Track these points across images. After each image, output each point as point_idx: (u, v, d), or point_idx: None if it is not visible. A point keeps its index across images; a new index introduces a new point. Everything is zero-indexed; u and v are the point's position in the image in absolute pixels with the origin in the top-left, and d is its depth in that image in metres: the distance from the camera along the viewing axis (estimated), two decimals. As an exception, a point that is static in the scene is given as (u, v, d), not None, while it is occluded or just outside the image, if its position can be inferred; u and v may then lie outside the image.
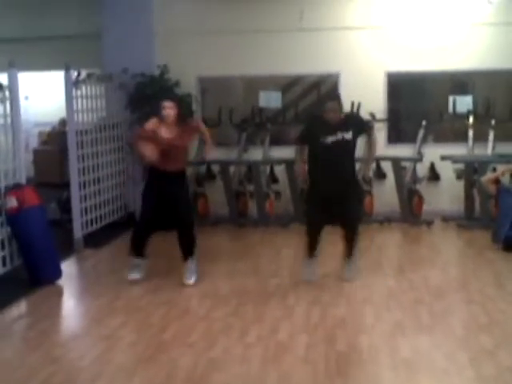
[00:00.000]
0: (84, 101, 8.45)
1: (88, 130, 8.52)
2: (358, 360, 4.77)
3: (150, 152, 6.40)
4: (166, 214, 6.63)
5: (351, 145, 6.49)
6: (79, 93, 8.31)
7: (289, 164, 9.30)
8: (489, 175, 8.43)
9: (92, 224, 8.49)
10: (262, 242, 8.53)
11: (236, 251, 8.19)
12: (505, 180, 8.28)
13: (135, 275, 6.71)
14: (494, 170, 8.89)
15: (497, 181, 8.19)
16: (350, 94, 9.44)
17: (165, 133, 6.50)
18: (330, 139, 6.37)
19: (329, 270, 6.89)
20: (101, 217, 8.74)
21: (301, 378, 4.46)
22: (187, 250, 6.69)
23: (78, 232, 8.15)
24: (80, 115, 8.36)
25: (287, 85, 9.98)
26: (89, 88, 8.59)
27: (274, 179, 9.55)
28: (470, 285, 6.50)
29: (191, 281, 6.62)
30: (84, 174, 8.31)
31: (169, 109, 6.49)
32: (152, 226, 6.70)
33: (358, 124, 6.71)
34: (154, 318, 5.69)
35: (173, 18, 9.65)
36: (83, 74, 8.44)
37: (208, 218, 9.42)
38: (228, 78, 9.97)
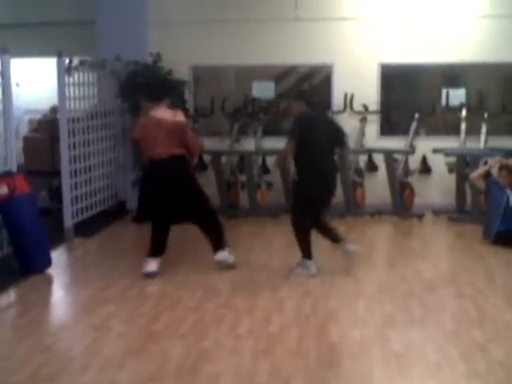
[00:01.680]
0: (76, 88, 8.38)
1: (79, 118, 8.46)
2: (350, 353, 4.75)
3: None
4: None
5: None
6: (71, 80, 8.24)
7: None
8: (477, 171, 8.38)
9: (83, 213, 8.43)
10: (253, 232, 8.51)
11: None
12: (494, 173, 8.26)
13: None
14: (486, 163, 8.91)
15: (486, 175, 8.18)
16: (343, 86, 9.46)
17: None
18: None
19: (320, 262, 6.88)
20: (91, 205, 8.69)
21: (292, 369, 4.45)
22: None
23: (69, 221, 8.10)
24: (72, 103, 8.29)
25: (281, 75, 9.94)
26: (81, 75, 8.52)
27: (265, 170, 9.52)
28: (460, 279, 6.50)
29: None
30: (75, 162, 8.25)
31: None
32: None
33: None
34: (144, 309, 5.66)
35: (167, 6, 9.61)
36: (75, 60, 8.37)
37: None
38: (221, 68, 9.93)
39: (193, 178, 6.84)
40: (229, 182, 9.42)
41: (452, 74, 9.90)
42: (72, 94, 8.27)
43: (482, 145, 9.24)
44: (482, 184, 8.14)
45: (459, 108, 9.43)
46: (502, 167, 8.14)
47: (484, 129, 9.27)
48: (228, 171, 9.49)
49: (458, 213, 9.12)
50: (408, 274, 6.63)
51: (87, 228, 8.32)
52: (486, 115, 9.27)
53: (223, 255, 6.71)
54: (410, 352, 4.76)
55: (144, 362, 4.61)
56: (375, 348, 4.81)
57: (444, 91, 9.58)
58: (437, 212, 9.25)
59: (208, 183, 9.30)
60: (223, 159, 9.39)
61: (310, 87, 9.93)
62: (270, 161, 9.45)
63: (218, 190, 9.33)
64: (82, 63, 8.52)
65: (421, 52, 9.47)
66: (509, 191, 7.80)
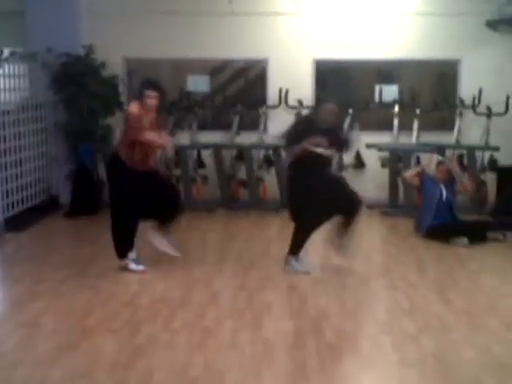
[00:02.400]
0: (6, 80, 8.19)
1: (10, 111, 8.29)
2: (284, 345, 4.78)
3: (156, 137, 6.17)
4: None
5: None
6: (1, 72, 8.06)
7: (216, 149, 9.28)
8: (410, 171, 8.48)
9: (13, 207, 8.26)
10: (188, 226, 8.45)
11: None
12: (430, 170, 8.37)
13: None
14: (418, 159, 9.07)
15: (420, 173, 8.28)
16: (278, 81, 9.49)
17: (145, 123, 6.15)
18: None
19: (255, 255, 6.90)
20: (23, 200, 8.52)
21: (227, 363, 4.45)
22: None
23: (-1, 215, 7.93)
24: (2, 95, 8.10)
25: (216, 69, 9.93)
26: (12, 67, 8.34)
27: (200, 164, 9.49)
28: (393, 271, 6.61)
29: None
30: (5, 155, 8.07)
31: (153, 98, 6.11)
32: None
33: None
34: (76, 304, 5.58)
35: (100, -3, 9.46)
36: (5, 52, 8.19)
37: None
38: (156, 61, 9.84)
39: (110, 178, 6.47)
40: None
41: (385, 71, 10.06)
42: (2, 86, 8.09)
43: (414, 140, 9.41)
44: (416, 181, 8.21)
45: (392, 104, 9.57)
46: (439, 163, 8.29)
47: (416, 124, 9.44)
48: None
49: (391, 207, 9.27)
50: (342, 266, 6.70)
51: (18, 223, 8.13)
52: (418, 111, 9.44)
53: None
54: (343, 343, 4.83)
55: (76, 357, 4.53)
56: (309, 340, 4.84)
57: (377, 87, 9.71)
58: (370, 206, 9.36)
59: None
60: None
61: (246, 81, 9.95)
62: (205, 154, 9.44)
63: (152, 185, 9.26)
64: (12, 54, 8.34)
65: (355, 48, 9.59)
66: (442, 186, 7.95)
